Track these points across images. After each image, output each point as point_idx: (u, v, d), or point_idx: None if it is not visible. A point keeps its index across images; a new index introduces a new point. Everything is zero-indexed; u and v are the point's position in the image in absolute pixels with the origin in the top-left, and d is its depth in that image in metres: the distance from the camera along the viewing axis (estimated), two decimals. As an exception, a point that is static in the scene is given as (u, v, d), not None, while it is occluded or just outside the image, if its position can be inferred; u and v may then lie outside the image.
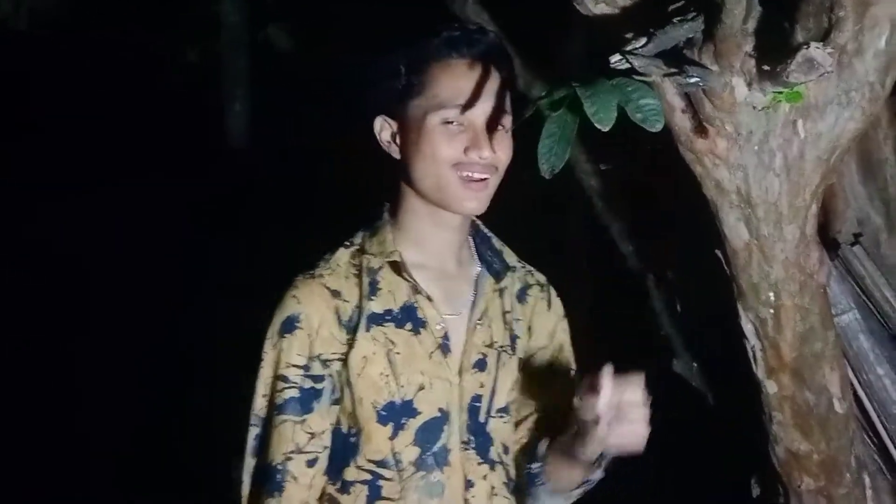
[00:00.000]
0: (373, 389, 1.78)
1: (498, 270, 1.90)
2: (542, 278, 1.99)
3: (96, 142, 5.14)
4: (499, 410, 1.87)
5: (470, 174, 1.76)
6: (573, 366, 2.00)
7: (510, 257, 1.94)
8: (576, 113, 1.60)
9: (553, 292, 2.00)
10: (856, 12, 1.73)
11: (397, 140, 1.82)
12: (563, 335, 1.99)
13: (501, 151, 1.78)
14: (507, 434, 1.90)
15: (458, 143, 1.76)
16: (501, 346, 1.88)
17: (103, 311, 4.83)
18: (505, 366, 1.88)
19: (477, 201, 1.79)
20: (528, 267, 1.99)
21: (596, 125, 1.55)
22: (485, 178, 1.77)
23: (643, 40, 1.67)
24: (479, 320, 1.86)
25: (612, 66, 1.64)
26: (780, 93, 1.78)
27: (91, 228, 4.90)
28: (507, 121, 1.80)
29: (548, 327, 1.97)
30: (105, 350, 4.63)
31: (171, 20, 4.91)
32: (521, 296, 1.95)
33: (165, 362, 4.48)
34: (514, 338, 1.91)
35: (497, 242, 1.93)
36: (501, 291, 1.91)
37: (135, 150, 5.18)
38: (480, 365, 1.85)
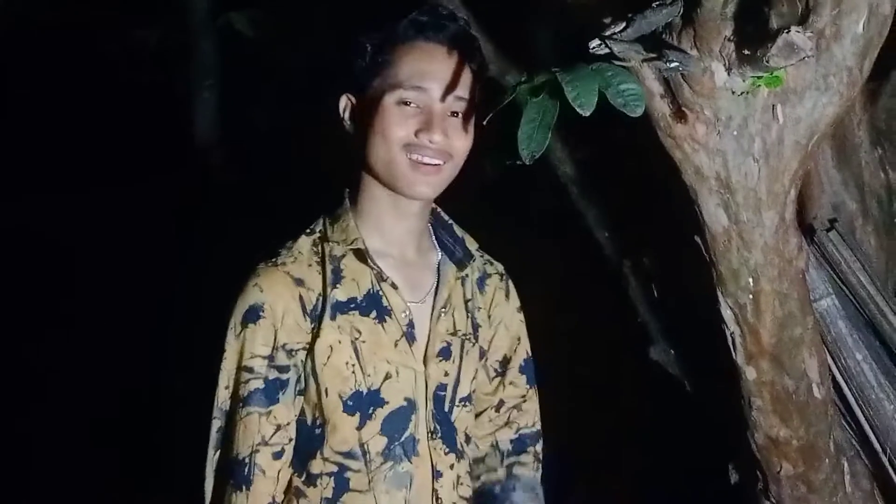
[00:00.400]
0: (339, 379, 1.75)
1: (460, 258, 1.88)
2: (500, 268, 1.98)
3: (61, 135, 5.08)
4: (462, 399, 1.86)
5: (420, 157, 1.73)
6: (529, 356, 1.99)
7: (471, 244, 1.92)
8: (556, 98, 1.59)
9: (511, 283, 1.98)
10: (833, -4, 1.73)
11: (356, 118, 1.80)
12: (519, 325, 1.98)
13: (456, 139, 1.75)
14: (469, 424, 1.89)
15: (411, 125, 1.73)
16: (464, 335, 1.87)
17: (83, 306, 4.78)
18: (468, 354, 1.87)
19: (427, 186, 1.75)
20: (487, 256, 1.97)
21: (577, 110, 1.53)
22: (436, 164, 1.74)
23: (622, 25, 1.65)
24: (443, 308, 1.84)
25: (591, 50, 1.62)
26: (760, 77, 1.77)
27: (61, 224, 4.85)
28: (468, 108, 1.76)
29: (506, 318, 1.96)
30: (89, 346, 4.58)
31: (137, 8, 4.85)
32: (481, 285, 1.93)
33: (151, 356, 4.43)
34: (475, 326, 1.90)
35: (458, 229, 1.91)
36: (463, 279, 1.89)
37: (100, 142, 5.12)
38: (445, 353, 1.83)
